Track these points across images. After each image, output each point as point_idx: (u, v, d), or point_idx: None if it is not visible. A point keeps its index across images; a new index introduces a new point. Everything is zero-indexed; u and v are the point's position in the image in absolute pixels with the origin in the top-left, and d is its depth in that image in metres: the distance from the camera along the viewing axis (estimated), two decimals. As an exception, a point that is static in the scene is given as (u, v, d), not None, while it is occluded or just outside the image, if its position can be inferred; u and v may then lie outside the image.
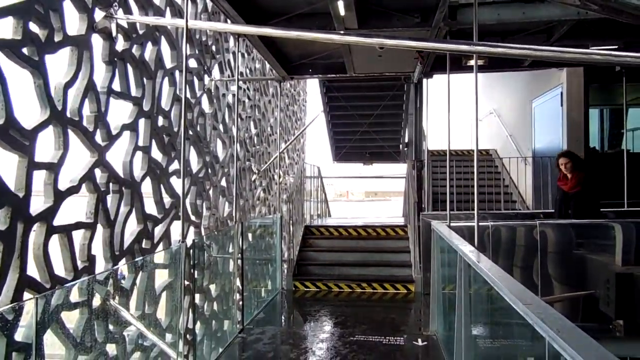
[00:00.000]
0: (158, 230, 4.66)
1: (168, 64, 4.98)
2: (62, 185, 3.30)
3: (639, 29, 4.82)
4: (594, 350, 1.34)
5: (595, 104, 8.33)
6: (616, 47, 5.86)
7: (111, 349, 3.31)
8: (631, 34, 5.69)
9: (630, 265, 4.78)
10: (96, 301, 3.02)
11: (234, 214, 5.61)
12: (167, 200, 4.87)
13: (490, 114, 12.03)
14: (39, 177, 3.07)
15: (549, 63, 6.99)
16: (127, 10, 4.14)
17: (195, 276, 3.87)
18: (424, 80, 7.33)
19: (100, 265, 3.71)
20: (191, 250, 3.65)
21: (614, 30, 5.74)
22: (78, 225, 3.47)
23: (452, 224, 4.24)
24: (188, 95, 5.45)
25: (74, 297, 2.92)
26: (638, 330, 4.61)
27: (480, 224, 3.72)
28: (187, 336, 3.56)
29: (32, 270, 2.95)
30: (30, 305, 2.05)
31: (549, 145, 8.75)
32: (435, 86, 7.53)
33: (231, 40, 6.95)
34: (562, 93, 8.17)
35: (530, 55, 3.46)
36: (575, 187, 5.17)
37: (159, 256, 4.40)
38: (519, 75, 9.93)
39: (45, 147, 3.20)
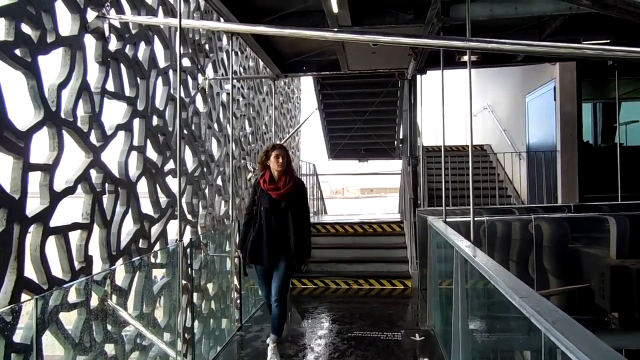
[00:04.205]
0: (155, 230, 4.65)
1: (161, 63, 4.96)
2: (58, 186, 3.29)
3: (631, 24, 4.85)
4: (589, 341, 1.36)
5: (588, 98, 8.38)
6: (608, 41, 5.89)
7: (110, 348, 3.31)
8: (623, 28, 5.72)
9: (624, 258, 4.83)
10: (94, 301, 3.03)
11: (230, 213, 5.61)
12: (163, 199, 4.86)
13: (484, 109, 12.07)
14: (35, 179, 3.06)
15: (542, 58, 7.04)
16: (119, 10, 4.12)
17: (193, 275, 3.87)
18: (418, 77, 7.34)
19: (98, 266, 3.70)
20: (188, 249, 3.65)
21: (606, 25, 5.77)
22: (74, 226, 3.46)
23: (448, 220, 4.26)
24: (182, 95, 5.43)
25: (72, 297, 2.92)
26: (633, 322, 4.66)
27: (476, 219, 3.75)
28: (186, 335, 3.57)
29: (30, 272, 2.94)
30: (29, 306, 2.05)
31: (543, 140, 8.80)
32: (429, 82, 7.55)
33: (224, 38, 6.93)
34: (555, 88, 8.21)
35: (523, 50, 3.47)
36: (288, 194, 3.97)
37: (156, 256, 4.41)
38: (513, 71, 9.96)
39: (40, 148, 3.20)
